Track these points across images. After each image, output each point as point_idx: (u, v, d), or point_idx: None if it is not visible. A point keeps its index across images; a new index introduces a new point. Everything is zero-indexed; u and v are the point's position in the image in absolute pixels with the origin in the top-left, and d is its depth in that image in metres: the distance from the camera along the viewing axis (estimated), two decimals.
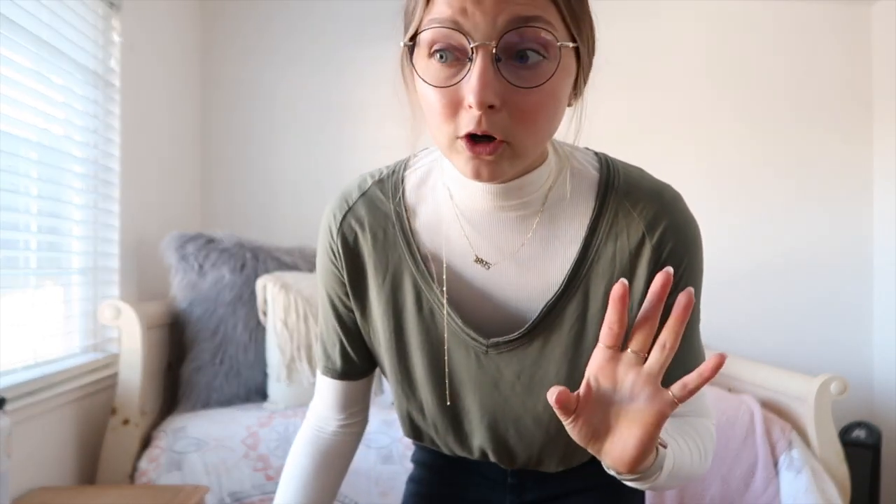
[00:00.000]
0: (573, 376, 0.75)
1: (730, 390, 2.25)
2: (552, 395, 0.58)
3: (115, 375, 1.92)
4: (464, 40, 0.60)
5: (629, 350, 0.61)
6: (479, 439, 0.83)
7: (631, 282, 0.73)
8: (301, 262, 2.27)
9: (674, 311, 0.59)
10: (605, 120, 3.09)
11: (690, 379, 0.58)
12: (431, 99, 0.63)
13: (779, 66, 2.91)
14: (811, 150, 2.92)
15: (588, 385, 0.61)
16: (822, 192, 2.92)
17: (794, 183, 2.92)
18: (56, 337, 1.81)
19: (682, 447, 0.70)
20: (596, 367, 0.61)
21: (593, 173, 0.76)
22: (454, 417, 0.83)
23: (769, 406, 2.06)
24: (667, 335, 0.59)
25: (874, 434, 2.49)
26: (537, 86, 0.61)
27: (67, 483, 1.76)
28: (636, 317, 0.70)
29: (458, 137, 0.63)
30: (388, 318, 0.80)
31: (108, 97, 2.03)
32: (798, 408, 2.00)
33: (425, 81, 0.63)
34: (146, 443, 1.91)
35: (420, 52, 0.64)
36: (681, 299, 0.59)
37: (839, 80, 2.92)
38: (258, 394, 2.15)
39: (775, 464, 1.86)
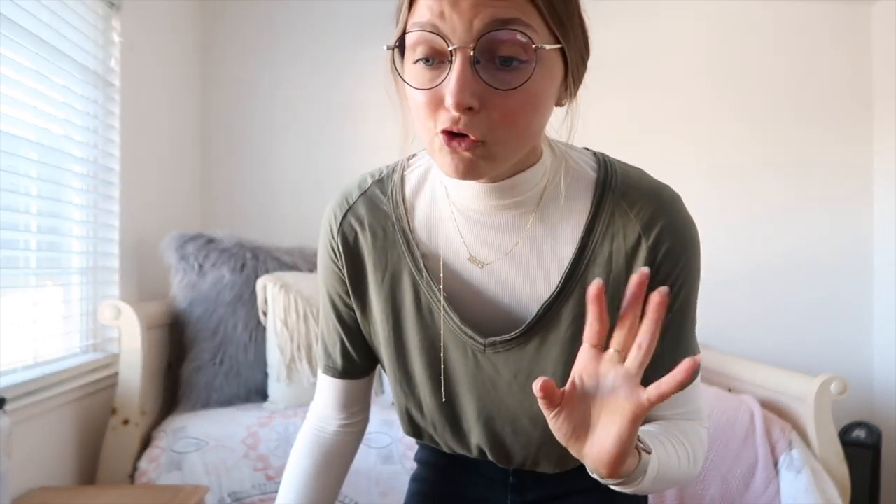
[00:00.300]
0: (563, 373, 0.75)
1: (730, 390, 2.25)
2: (537, 383, 0.58)
3: (115, 375, 1.92)
4: (443, 43, 0.61)
5: (611, 349, 0.61)
6: (476, 438, 0.83)
7: (627, 282, 0.73)
8: (301, 262, 2.27)
9: (648, 311, 0.58)
10: (605, 120, 3.11)
11: (665, 382, 0.57)
12: (417, 100, 0.64)
13: (779, 66, 2.91)
14: (811, 150, 2.92)
15: (573, 382, 0.61)
16: (822, 192, 2.92)
17: (794, 183, 2.92)
18: (56, 337, 1.81)
19: (668, 451, 0.70)
20: (581, 365, 0.62)
21: (591, 173, 0.76)
22: (452, 415, 0.83)
23: (769, 406, 2.06)
24: (643, 336, 0.58)
25: (874, 434, 2.49)
26: (514, 88, 0.61)
27: (67, 483, 1.76)
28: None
29: (436, 133, 0.64)
30: (387, 316, 0.80)
31: (108, 97, 2.03)
32: (798, 408, 2.00)
33: (407, 83, 0.64)
34: (146, 443, 1.91)
35: (407, 55, 0.65)
36: (654, 298, 0.58)
37: (839, 80, 2.92)
38: (258, 394, 2.15)
39: (775, 464, 1.87)
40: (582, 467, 0.84)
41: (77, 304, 1.92)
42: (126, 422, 1.87)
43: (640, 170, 0.78)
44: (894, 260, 2.82)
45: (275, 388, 2.09)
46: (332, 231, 0.82)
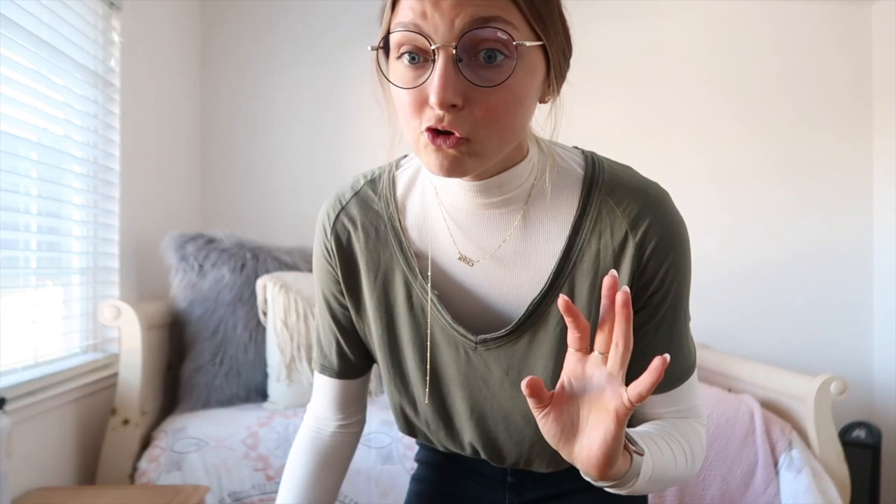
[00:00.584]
0: (554, 371, 0.76)
1: (730, 390, 2.25)
2: (525, 381, 0.59)
3: (115, 375, 1.93)
4: (426, 43, 0.62)
5: (595, 352, 0.61)
6: (468, 436, 0.84)
7: (611, 268, 0.74)
8: (301, 262, 2.27)
9: (616, 312, 0.58)
10: (604, 120, 3.10)
11: (641, 382, 0.57)
12: (401, 99, 0.65)
13: (779, 66, 2.91)
14: (811, 150, 2.92)
15: (562, 384, 0.62)
16: (821, 192, 2.92)
17: (794, 183, 2.92)
18: (56, 337, 1.81)
19: (663, 451, 0.70)
20: (569, 368, 0.62)
21: (578, 171, 0.77)
22: (444, 413, 0.84)
23: (769, 406, 2.06)
24: (617, 335, 0.59)
25: (874, 434, 2.49)
26: (496, 85, 0.62)
27: (67, 483, 1.76)
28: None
29: (421, 132, 0.65)
30: (380, 314, 0.81)
31: (108, 97, 2.03)
32: (798, 408, 2.00)
33: (392, 83, 0.65)
34: (146, 443, 1.91)
35: (391, 55, 0.66)
36: (618, 298, 0.58)
37: (839, 80, 2.92)
38: (258, 394, 2.15)
39: (775, 464, 1.87)
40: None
41: (77, 304, 1.92)
42: (126, 422, 1.87)
43: (628, 167, 0.79)
44: (894, 260, 2.82)
45: (275, 388, 2.09)
46: (325, 232, 0.83)
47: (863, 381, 2.85)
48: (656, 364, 0.56)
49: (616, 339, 0.59)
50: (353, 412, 0.92)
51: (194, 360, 2.10)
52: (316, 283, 0.87)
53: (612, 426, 0.58)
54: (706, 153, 2.91)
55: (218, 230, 2.25)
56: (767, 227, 2.91)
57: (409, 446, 1.82)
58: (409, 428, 0.88)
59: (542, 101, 0.71)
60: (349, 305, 0.84)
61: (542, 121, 0.73)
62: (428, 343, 0.80)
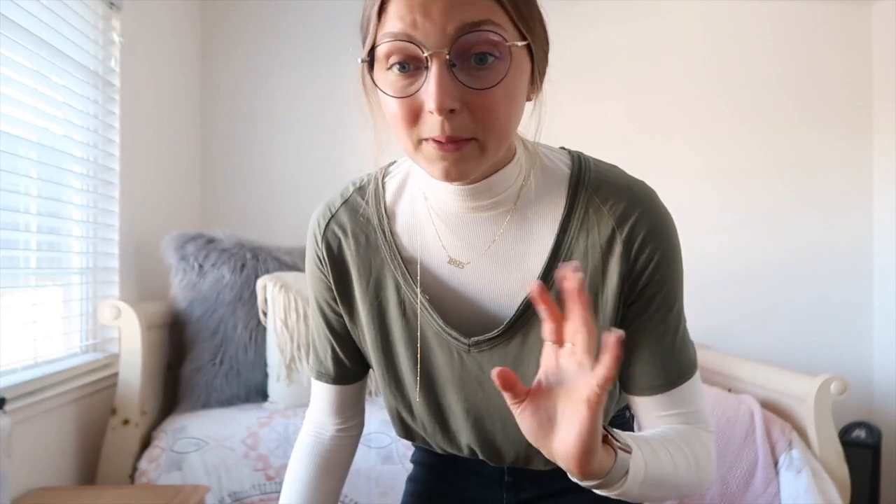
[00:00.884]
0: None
1: (730, 390, 2.25)
2: (495, 371, 0.58)
3: (115, 375, 1.92)
4: (418, 51, 0.62)
5: (567, 343, 0.59)
6: (465, 437, 0.84)
7: (604, 277, 0.75)
8: (301, 262, 2.27)
9: (570, 298, 0.57)
10: (604, 120, 3.09)
11: (602, 361, 0.55)
12: (394, 108, 0.65)
13: (779, 65, 2.91)
14: (811, 150, 2.92)
15: (538, 380, 0.61)
16: (821, 192, 2.92)
17: (794, 183, 2.92)
18: (56, 337, 1.81)
19: (659, 455, 0.68)
20: (545, 363, 0.61)
21: (564, 170, 0.77)
22: (440, 416, 0.84)
23: (769, 406, 2.06)
24: (576, 322, 0.57)
25: (874, 434, 2.49)
26: (492, 86, 0.63)
27: (67, 483, 1.76)
28: (610, 315, 0.74)
29: (422, 140, 0.65)
30: (373, 320, 0.82)
31: (108, 97, 2.03)
32: (798, 408, 2.00)
33: (386, 93, 0.65)
34: (146, 443, 1.91)
35: (379, 66, 0.66)
36: (567, 286, 0.56)
37: (839, 80, 2.92)
38: (258, 394, 2.15)
39: (775, 464, 1.87)
40: None
41: (77, 304, 1.92)
42: (126, 422, 1.87)
43: (614, 166, 0.79)
44: (894, 260, 2.82)
45: (275, 388, 2.09)
46: (316, 240, 0.84)
47: (863, 381, 2.85)
48: (611, 340, 0.53)
49: (577, 326, 0.57)
50: (351, 416, 0.93)
51: (194, 360, 2.10)
52: (309, 292, 0.88)
53: (585, 416, 0.56)
54: (706, 153, 2.91)
55: (218, 230, 2.24)
56: (767, 227, 2.90)
57: (409, 446, 1.81)
58: (406, 432, 0.89)
59: (528, 98, 0.72)
60: (343, 312, 0.85)
61: (526, 120, 0.73)
62: (418, 346, 0.80)
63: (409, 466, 1.04)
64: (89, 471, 1.86)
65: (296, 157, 2.82)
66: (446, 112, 0.62)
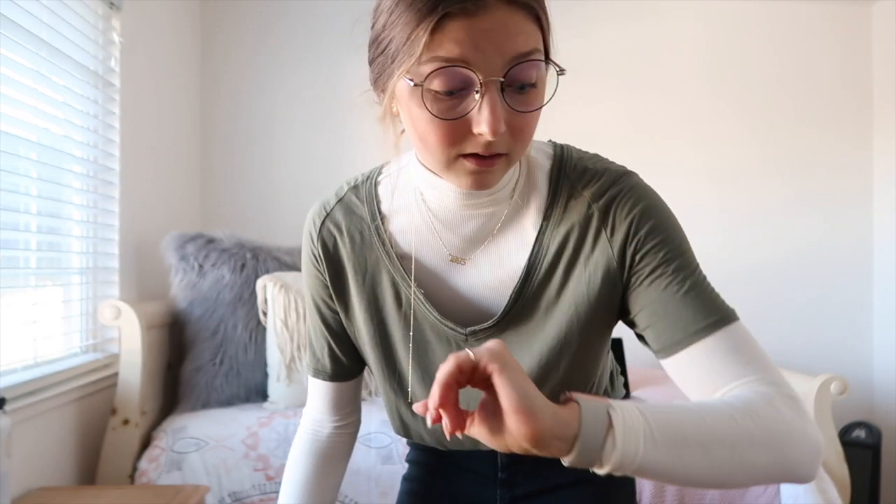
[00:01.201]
0: (549, 357, 0.78)
1: None
2: (419, 408, 0.57)
3: (115, 375, 1.92)
4: (473, 76, 0.63)
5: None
6: None
7: (586, 255, 0.76)
8: (301, 262, 2.27)
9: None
10: (604, 120, 3.09)
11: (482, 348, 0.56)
12: (433, 127, 0.66)
13: (779, 65, 2.91)
14: (811, 150, 2.92)
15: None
16: (821, 192, 2.92)
17: (793, 183, 2.92)
18: (56, 337, 1.81)
19: (665, 409, 0.60)
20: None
21: (548, 162, 0.79)
22: None
23: None
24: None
25: (874, 434, 2.49)
26: (535, 110, 0.67)
27: (67, 483, 1.76)
28: (595, 296, 0.74)
29: (459, 156, 0.67)
30: (370, 316, 0.83)
31: (108, 97, 2.03)
32: None
33: (433, 113, 0.65)
34: (146, 443, 1.91)
35: (423, 85, 0.65)
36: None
37: (839, 80, 2.92)
38: (258, 394, 2.15)
39: None
40: None
41: (77, 304, 1.92)
42: (126, 422, 1.87)
43: (596, 155, 0.81)
44: (894, 260, 2.82)
45: (275, 388, 2.09)
46: (312, 238, 0.85)
47: (863, 381, 2.86)
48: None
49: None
50: (348, 413, 0.95)
51: (194, 360, 2.10)
52: (305, 290, 0.90)
53: (498, 384, 0.55)
54: (706, 153, 2.91)
55: (218, 230, 2.24)
56: (767, 227, 2.91)
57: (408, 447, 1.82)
58: (405, 429, 0.90)
59: None
60: (339, 309, 0.86)
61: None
62: (411, 336, 0.82)
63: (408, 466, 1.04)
64: (89, 471, 1.86)
65: (296, 157, 2.82)
66: (497, 135, 0.64)
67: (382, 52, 0.68)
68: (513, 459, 0.89)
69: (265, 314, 2.12)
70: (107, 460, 1.84)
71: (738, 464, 0.61)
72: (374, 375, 0.88)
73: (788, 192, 2.91)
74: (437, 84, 0.64)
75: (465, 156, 0.67)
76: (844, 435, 2.46)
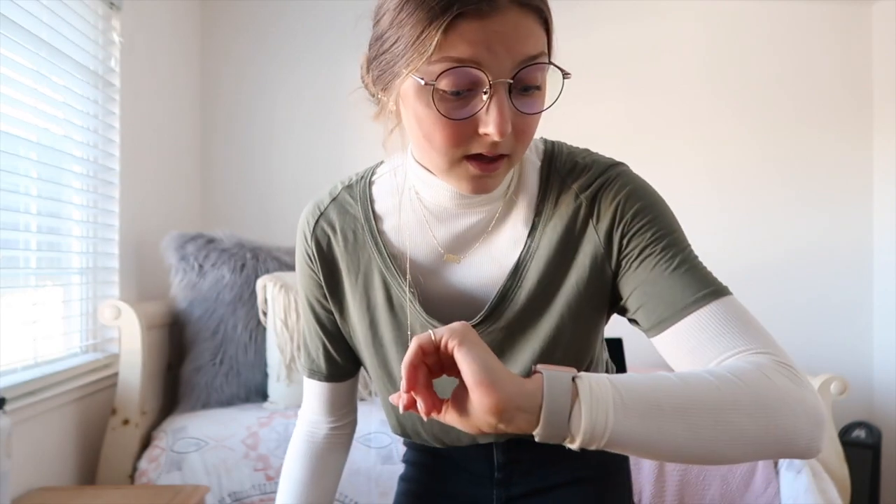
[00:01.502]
0: (543, 350, 0.78)
1: None
2: (394, 398, 0.59)
3: (115, 375, 1.93)
4: (483, 77, 0.63)
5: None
6: None
7: (575, 245, 0.76)
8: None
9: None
10: (604, 120, 3.09)
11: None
12: (438, 126, 0.66)
13: (779, 66, 2.91)
14: (811, 150, 2.92)
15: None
16: (821, 192, 2.92)
17: (793, 183, 2.92)
18: (56, 337, 1.81)
19: (640, 377, 0.58)
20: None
21: (539, 159, 0.80)
22: None
23: None
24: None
25: (874, 434, 2.49)
26: (541, 111, 0.67)
27: (67, 483, 1.76)
28: (585, 285, 0.74)
29: (464, 157, 0.68)
30: (363, 315, 0.83)
31: (108, 97, 2.03)
32: None
33: (441, 113, 0.65)
34: (146, 443, 1.91)
35: (432, 84, 0.65)
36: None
37: (839, 80, 2.92)
38: (258, 394, 2.15)
39: (775, 464, 1.87)
40: (568, 460, 0.84)
41: (77, 304, 1.92)
42: (126, 422, 1.87)
43: (587, 150, 0.81)
44: (894, 260, 2.82)
45: (275, 388, 2.09)
46: (305, 238, 0.85)
47: (863, 381, 2.85)
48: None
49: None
50: (344, 414, 0.95)
51: (194, 360, 2.10)
52: (300, 290, 0.89)
53: (459, 360, 0.56)
54: (706, 153, 2.91)
55: (218, 230, 2.25)
56: (767, 227, 2.91)
57: None
58: (402, 428, 0.90)
59: None
60: (333, 309, 0.86)
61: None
62: (409, 333, 0.81)
63: None
64: (89, 471, 1.86)
65: (296, 157, 2.82)
66: (504, 136, 0.64)
67: (388, 50, 0.67)
68: (509, 459, 0.89)
69: (265, 314, 2.13)
70: (107, 460, 1.84)
71: (723, 431, 0.56)
72: (369, 375, 0.88)
73: (788, 192, 2.91)
74: (445, 84, 0.64)
75: (469, 158, 0.67)
76: (844, 435, 2.46)
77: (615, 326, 0.96)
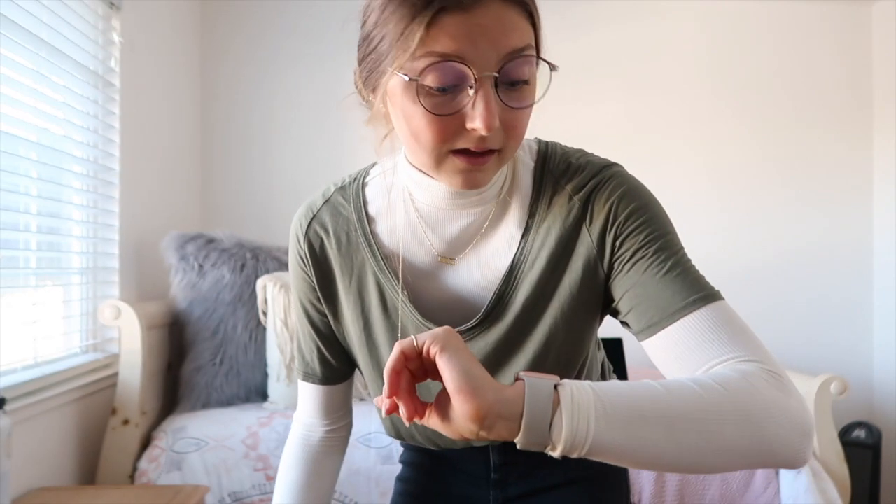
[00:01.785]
0: (537, 352, 0.77)
1: None
2: (377, 401, 0.60)
3: (115, 375, 1.92)
4: (468, 71, 0.63)
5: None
6: None
7: (569, 247, 0.75)
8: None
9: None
10: (604, 120, 3.09)
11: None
12: (425, 123, 0.65)
13: (779, 66, 2.91)
14: (811, 150, 2.92)
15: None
16: (821, 192, 2.92)
17: (793, 183, 2.92)
18: (56, 337, 1.81)
19: (623, 385, 0.58)
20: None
21: (533, 160, 0.79)
22: None
23: None
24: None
25: (874, 434, 2.49)
26: (529, 105, 0.66)
27: (67, 483, 1.76)
28: (578, 287, 0.74)
29: (451, 152, 0.67)
30: (356, 317, 0.83)
31: (108, 97, 2.03)
32: None
33: (427, 109, 0.64)
34: (146, 443, 1.91)
35: (417, 81, 0.64)
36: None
37: (839, 80, 2.92)
38: (258, 394, 2.15)
39: None
40: (565, 461, 0.84)
41: (77, 304, 1.92)
42: (126, 422, 1.87)
43: (581, 150, 0.80)
44: (894, 260, 2.82)
45: (275, 388, 2.09)
46: (298, 240, 0.85)
47: (863, 381, 2.86)
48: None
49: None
50: (339, 417, 0.94)
51: (194, 360, 2.10)
52: (293, 293, 0.89)
53: (440, 367, 0.56)
54: (706, 153, 2.91)
55: (218, 230, 2.25)
56: (767, 227, 2.91)
57: None
58: (397, 430, 0.89)
59: None
60: (327, 312, 0.86)
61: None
62: (399, 334, 0.81)
63: None
64: (89, 471, 1.86)
65: (295, 158, 2.82)
66: (491, 131, 0.63)
67: (374, 49, 0.67)
68: (506, 460, 0.89)
69: (265, 314, 2.13)
70: (107, 460, 1.84)
71: (707, 441, 0.56)
72: (364, 376, 0.88)
73: (788, 192, 2.91)
74: (431, 79, 0.63)
75: (456, 153, 0.66)
76: (844, 435, 2.46)
77: (616, 326, 0.96)
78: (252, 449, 1.85)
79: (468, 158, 0.66)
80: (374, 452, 1.83)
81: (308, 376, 0.91)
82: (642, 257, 0.71)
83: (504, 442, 0.86)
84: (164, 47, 2.45)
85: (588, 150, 0.82)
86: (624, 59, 2.88)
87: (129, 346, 1.91)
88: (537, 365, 0.78)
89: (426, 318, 0.79)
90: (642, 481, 1.80)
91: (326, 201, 0.84)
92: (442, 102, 0.64)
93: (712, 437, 0.56)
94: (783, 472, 1.85)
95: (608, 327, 0.86)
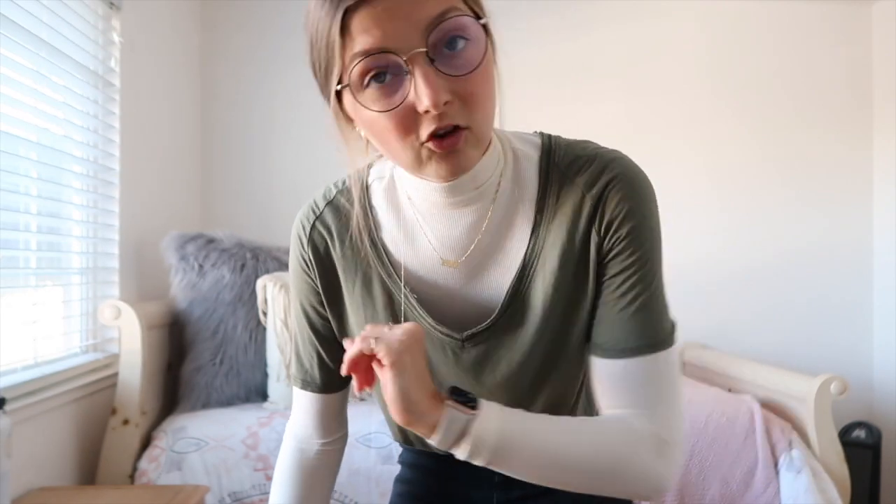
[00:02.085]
0: (550, 353, 0.77)
1: (730, 390, 2.25)
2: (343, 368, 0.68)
3: (115, 375, 1.92)
4: (396, 58, 0.62)
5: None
6: None
7: (573, 239, 0.74)
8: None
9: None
10: (604, 120, 3.09)
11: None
12: (385, 123, 0.65)
13: (779, 66, 2.91)
14: (811, 150, 2.92)
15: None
16: (821, 192, 2.92)
17: (793, 183, 2.92)
18: (56, 337, 1.81)
19: (536, 421, 0.71)
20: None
21: (536, 154, 0.78)
22: None
23: (769, 406, 2.06)
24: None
25: (874, 434, 2.49)
26: (475, 68, 0.64)
27: (67, 483, 1.76)
28: (584, 287, 0.76)
29: (422, 144, 0.65)
30: (362, 321, 0.81)
31: (108, 97, 2.03)
32: (798, 408, 2.00)
33: (375, 111, 0.64)
34: (146, 443, 1.91)
35: (354, 88, 0.65)
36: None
37: (839, 80, 2.92)
38: (258, 394, 2.15)
39: (775, 464, 1.87)
40: None
41: (77, 304, 1.92)
42: (126, 422, 1.87)
43: (586, 141, 0.79)
44: (894, 260, 2.82)
45: (275, 388, 2.09)
46: (301, 242, 0.83)
47: (863, 381, 2.85)
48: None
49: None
50: (335, 429, 0.91)
51: (194, 360, 2.10)
52: (294, 297, 0.86)
53: (383, 378, 0.66)
54: (706, 153, 2.91)
55: (218, 230, 2.24)
56: (767, 227, 2.90)
57: None
58: (405, 435, 0.89)
59: None
60: (330, 316, 0.84)
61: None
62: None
63: None
64: (89, 471, 1.86)
65: (295, 158, 2.82)
66: (441, 106, 0.62)
67: (320, 70, 0.69)
68: None
69: (265, 314, 2.13)
70: (107, 460, 1.84)
71: (566, 484, 0.73)
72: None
73: (788, 192, 2.91)
74: (367, 80, 0.63)
75: (428, 142, 0.65)
76: (844, 435, 2.46)
77: None
78: (252, 449, 1.85)
79: (438, 142, 0.65)
80: (374, 452, 1.83)
81: (306, 384, 0.88)
82: (620, 284, 0.74)
83: None
84: (164, 47, 2.45)
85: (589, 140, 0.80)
86: (624, 59, 2.87)
87: (129, 346, 1.91)
88: (548, 364, 0.79)
89: (439, 323, 0.78)
90: None
91: (329, 202, 0.83)
92: (388, 97, 0.64)
93: (571, 482, 0.73)
94: (783, 472, 1.85)
95: None
